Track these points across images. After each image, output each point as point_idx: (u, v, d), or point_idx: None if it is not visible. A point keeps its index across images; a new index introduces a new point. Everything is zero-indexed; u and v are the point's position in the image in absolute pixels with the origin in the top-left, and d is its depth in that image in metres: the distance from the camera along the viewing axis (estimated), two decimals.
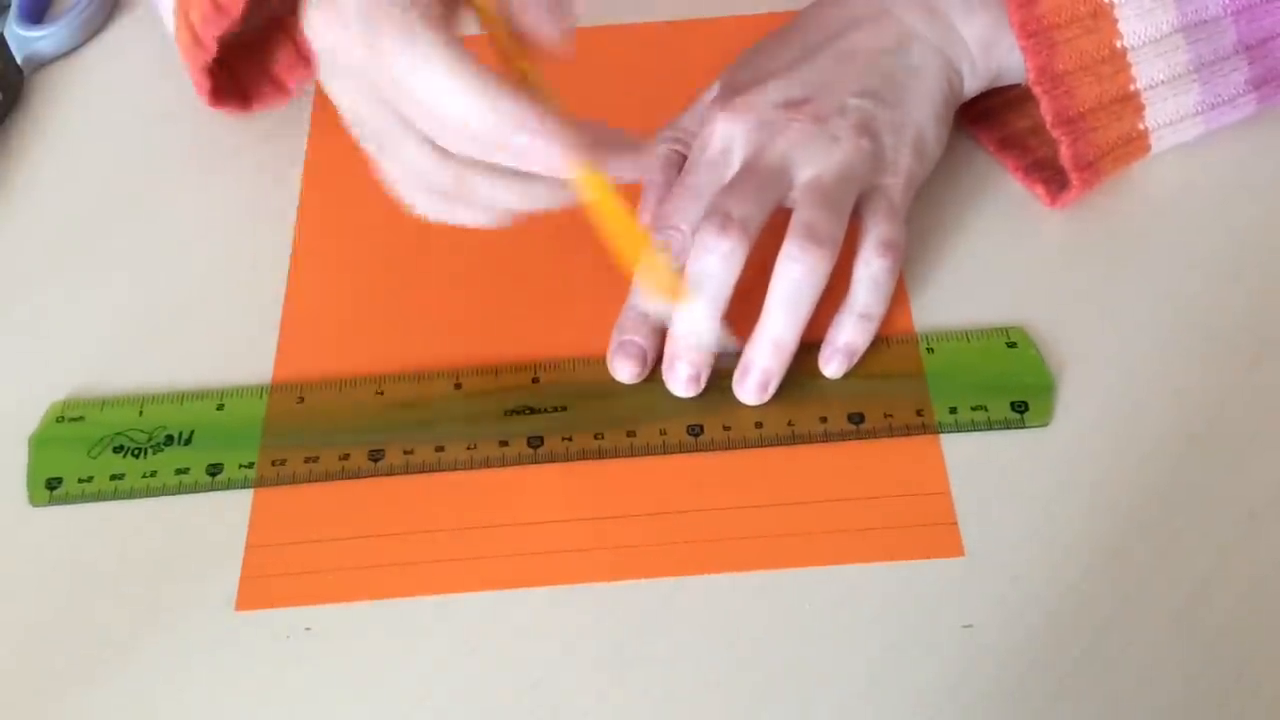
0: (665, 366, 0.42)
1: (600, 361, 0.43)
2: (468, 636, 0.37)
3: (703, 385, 0.42)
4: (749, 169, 0.42)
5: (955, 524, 0.39)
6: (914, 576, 0.38)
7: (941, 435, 0.41)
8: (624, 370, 0.42)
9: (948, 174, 0.48)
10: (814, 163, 0.42)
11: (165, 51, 0.55)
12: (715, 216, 0.41)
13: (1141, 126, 0.45)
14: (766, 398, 0.42)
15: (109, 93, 0.54)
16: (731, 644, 0.37)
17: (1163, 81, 0.44)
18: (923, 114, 0.45)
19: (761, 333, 0.41)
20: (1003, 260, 0.46)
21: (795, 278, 0.40)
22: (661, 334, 0.42)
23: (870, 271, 0.42)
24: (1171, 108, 0.45)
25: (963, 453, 0.40)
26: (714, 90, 0.47)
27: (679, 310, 0.41)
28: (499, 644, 0.37)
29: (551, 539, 0.39)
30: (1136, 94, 0.44)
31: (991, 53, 0.46)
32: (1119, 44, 0.43)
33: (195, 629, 0.38)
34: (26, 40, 0.55)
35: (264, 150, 0.49)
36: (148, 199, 0.50)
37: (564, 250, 0.46)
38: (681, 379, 0.42)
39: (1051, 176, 0.46)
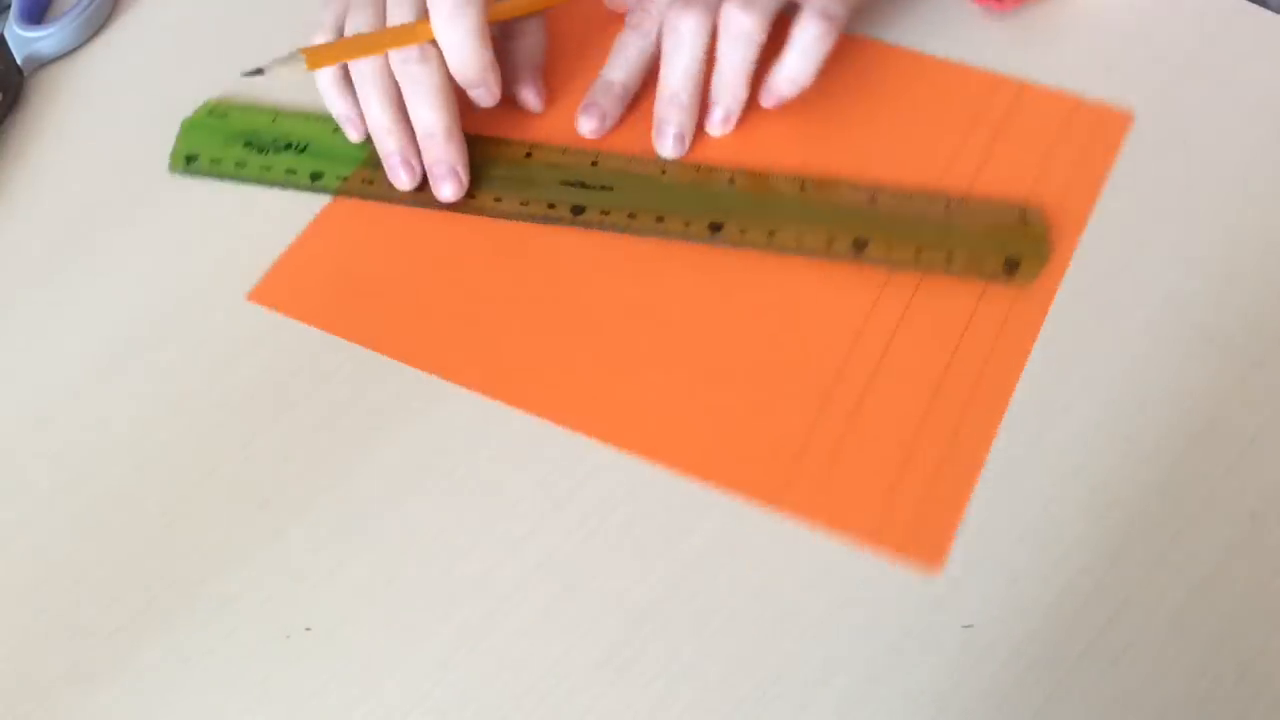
0: (655, 132, 0.47)
1: (649, 158, 0.48)
2: (468, 635, 0.38)
3: (687, 145, 0.47)
4: None
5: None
6: (914, 574, 0.38)
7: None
8: (585, 125, 0.48)
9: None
10: None
11: (165, 51, 0.55)
12: (678, 1, 0.46)
13: None
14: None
15: (109, 93, 0.54)
16: (730, 642, 0.37)
17: None
18: None
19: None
20: None
21: (736, 32, 0.45)
22: (622, 103, 0.49)
23: (804, 37, 0.45)
24: None
25: None
26: None
27: (661, 80, 0.47)
28: (499, 643, 0.37)
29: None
30: None
31: None
32: None
33: (196, 626, 0.38)
34: (26, 40, 0.55)
35: None
36: (148, 199, 0.50)
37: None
38: (669, 138, 0.47)
39: None
